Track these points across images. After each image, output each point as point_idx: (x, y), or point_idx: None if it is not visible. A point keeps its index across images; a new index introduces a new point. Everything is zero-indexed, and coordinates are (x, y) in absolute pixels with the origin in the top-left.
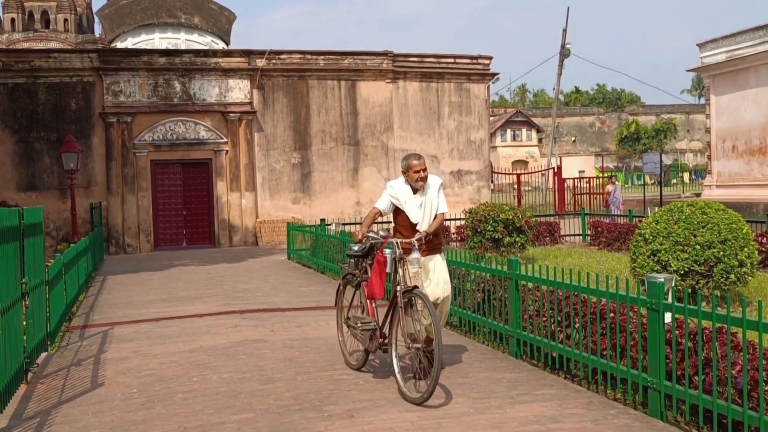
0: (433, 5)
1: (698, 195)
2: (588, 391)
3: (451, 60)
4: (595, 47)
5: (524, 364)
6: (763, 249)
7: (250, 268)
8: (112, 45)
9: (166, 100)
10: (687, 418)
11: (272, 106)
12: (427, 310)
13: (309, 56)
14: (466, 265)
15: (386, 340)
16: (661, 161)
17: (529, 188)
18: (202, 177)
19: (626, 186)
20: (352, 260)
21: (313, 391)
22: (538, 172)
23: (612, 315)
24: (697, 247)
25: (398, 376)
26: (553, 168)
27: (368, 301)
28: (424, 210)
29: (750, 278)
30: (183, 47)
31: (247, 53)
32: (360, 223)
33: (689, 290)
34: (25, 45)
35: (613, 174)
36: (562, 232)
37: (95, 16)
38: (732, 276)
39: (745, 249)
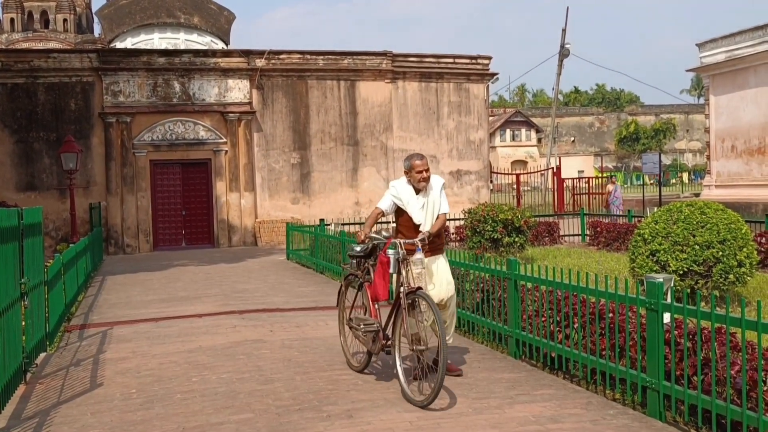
0: (433, 5)
1: (697, 195)
2: (587, 391)
3: (451, 60)
4: (594, 47)
5: (523, 364)
6: (762, 249)
7: (249, 268)
8: (112, 45)
9: (165, 100)
10: (686, 418)
11: (271, 106)
12: (430, 312)
13: (308, 56)
14: (465, 265)
15: (389, 342)
16: (660, 161)
17: (529, 188)
18: (201, 177)
19: (625, 186)
20: (354, 261)
21: (312, 392)
22: (538, 172)
23: (611, 315)
24: (696, 247)
25: (402, 378)
26: (553, 168)
27: (371, 302)
28: (426, 210)
29: (749, 278)
30: (182, 47)
31: (247, 53)
32: (359, 223)
33: (688, 290)
34: (25, 45)
35: (613, 174)
36: (561, 232)
37: (94, 16)
38: (731, 276)
39: (744, 249)
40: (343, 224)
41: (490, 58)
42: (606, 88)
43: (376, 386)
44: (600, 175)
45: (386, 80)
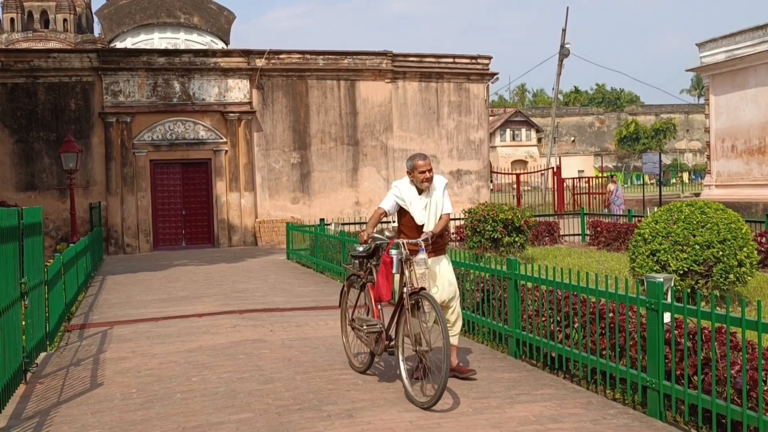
0: (433, 5)
1: (697, 195)
2: (587, 391)
3: (451, 60)
4: (594, 47)
5: (523, 364)
6: (762, 249)
7: (249, 267)
8: (112, 45)
9: (165, 100)
10: (686, 418)
11: (271, 105)
12: (434, 312)
13: (308, 56)
14: (465, 265)
15: (392, 343)
16: (660, 161)
17: (529, 188)
18: (201, 177)
19: (625, 186)
20: (357, 261)
21: (312, 391)
22: (538, 171)
23: (611, 315)
24: (697, 246)
25: (405, 379)
26: (553, 168)
27: (374, 302)
28: (429, 211)
29: (749, 278)
30: (182, 47)
31: (247, 53)
32: (359, 223)
33: (688, 290)
34: (25, 45)
35: (613, 173)
36: (562, 232)
37: (94, 16)
38: (731, 276)
39: (745, 249)
40: (343, 224)
41: (490, 58)
42: (606, 88)
43: (376, 386)
44: (600, 174)
45: (386, 80)
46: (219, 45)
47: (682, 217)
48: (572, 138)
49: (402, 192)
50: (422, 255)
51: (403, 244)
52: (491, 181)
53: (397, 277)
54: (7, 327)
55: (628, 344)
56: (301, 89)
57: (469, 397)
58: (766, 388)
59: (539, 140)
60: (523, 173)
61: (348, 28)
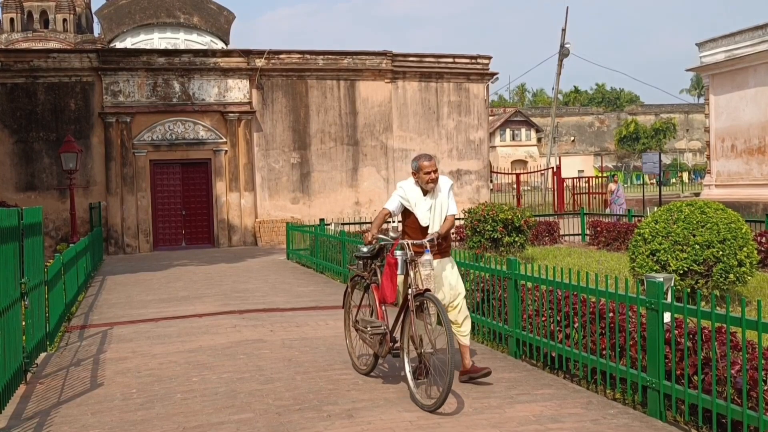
0: (433, 5)
1: (697, 195)
2: (587, 391)
3: (450, 60)
4: (594, 47)
5: (523, 364)
6: (762, 248)
7: (249, 268)
8: (111, 45)
9: (165, 100)
10: (686, 417)
11: (271, 105)
12: (439, 314)
13: (308, 56)
14: (465, 265)
15: (396, 345)
16: (660, 161)
17: (529, 188)
18: (201, 177)
19: (626, 185)
20: (361, 262)
21: (312, 391)
22: (538, 171)
23: (611, 315)
24: (696, 246)
25: (410, 381)
26: (552, 168)
27: (378, 304)
28: (434, 212)
29: (749, 278)
30: (182, 47)
31: (247, 53)
32: (359, 223)
33: (688, 290)
34: (24, 45)
35: (614, 173)
36: (562, 232)
37: (94, 16)
38: (731, 275)
39: (744, 248)
40: (343, 224)
41: (489, 58)
42: (606, 88)
43: (376, 386)
44: (600, 174)
45: (386, 80)
46: (219, 45)
47: (682, 216)
48: (572, 138)
49: (407, 193)
50: (427, 256)
51: (408, 245)
52: (491, 181)
53: (401, 278)
54: (7, 327)
55: (628, 344)
56: (300, 89)
57: (470, 397)
58: (766, 387)
59: (539, 140)
60: (523, 173)
61: (348, 29)
